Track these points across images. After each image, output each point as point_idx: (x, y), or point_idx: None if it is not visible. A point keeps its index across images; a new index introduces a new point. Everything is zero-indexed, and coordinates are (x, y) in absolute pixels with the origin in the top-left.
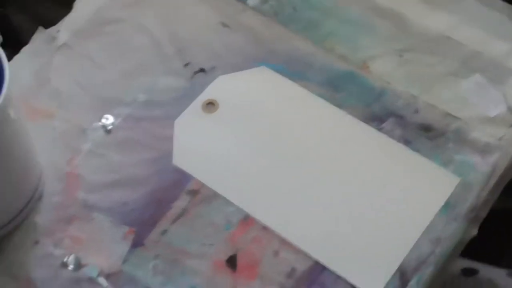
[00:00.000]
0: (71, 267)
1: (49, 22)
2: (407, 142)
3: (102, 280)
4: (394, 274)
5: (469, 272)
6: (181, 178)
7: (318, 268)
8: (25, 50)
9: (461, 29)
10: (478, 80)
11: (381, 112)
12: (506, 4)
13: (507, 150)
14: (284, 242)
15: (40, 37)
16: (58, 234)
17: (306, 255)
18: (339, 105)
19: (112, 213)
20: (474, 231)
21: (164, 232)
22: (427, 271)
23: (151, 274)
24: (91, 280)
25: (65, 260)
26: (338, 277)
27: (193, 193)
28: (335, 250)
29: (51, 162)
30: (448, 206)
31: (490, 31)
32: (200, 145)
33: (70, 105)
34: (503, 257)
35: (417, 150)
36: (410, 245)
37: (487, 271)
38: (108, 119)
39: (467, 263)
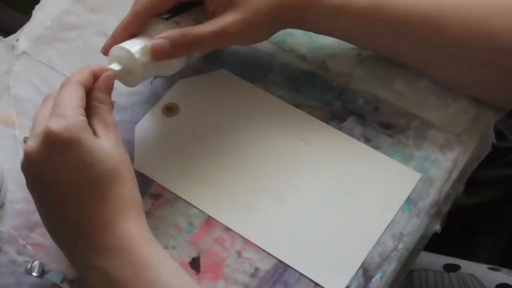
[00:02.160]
0: (35, 273)
1: (9, 30)
2: (367, 140)
3: (66, 286)
4: (358, 270)
5: (451, 268)
6: (143, 181)
7: (281, 267)
8: None
9: None
10: None
11: (341, 111)
12: None
13: (468, 145)
14: (247, 242)
15: None
16: (21, 242)
17: (269, 255)
18: (300, 105)
19: None
20: (437, 226)
21: None
22: (390, 267)
23: None
24: (56, 286)
25: (29, 267)
26: (302, 276)
27: (156, 196)
28: (297, 249)
29: (13, 170)
30: (410, 202)
31: None
32: (161, 149)
33: (30, 112)
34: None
35: (378, 147)
36: (373, 242)
37: (468, 266)
38: None
39: (448, 260)
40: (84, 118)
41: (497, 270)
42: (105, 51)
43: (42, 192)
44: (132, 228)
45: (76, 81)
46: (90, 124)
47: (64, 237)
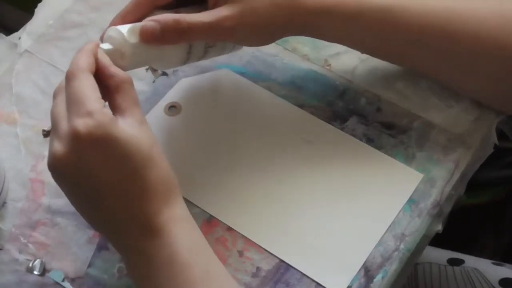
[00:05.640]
0: (36, 272)
1: (11, 28)
2: (369, 140)
3: (67, 285)
4: (359, 270)
5: (455, 262)
6: None
7: (282, 267)
8: None
9: None
10: None
11: (343, 111)
12: None
13: (470, 145)
14: (248, 242)
15: (1, 44)
16: (22, 240)
17: (270, 255)
18: (302, 105)
19: (77, 218)
20: (438, 227)
21: None
22: (392, 267)
23: (116, 277)
24: (57, 285)
25: (30, 265)
26: (303, 276)
27: None
28: (299, 249)
29: (14, 169)
30: (411, 202)
31: None
32: (163, 148)
33: (32, 110)
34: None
35: (380, 148)
36: (375, 242)
37: (472, 261)
38: None
39: (452, 254)
40: (109, 110)
41: (500, 265)
42: (101, 38)
43: (77, 190)
44: (175, 212)
45: (84, 69)
46: (114, 104)
47: (106, 227)
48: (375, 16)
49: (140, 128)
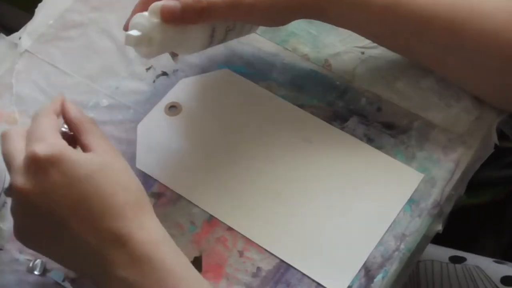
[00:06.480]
0: (36, 272)
1: (12, 28)
2: (370, 140)
3: (67, 285)
4: (359, 271)
5: (457, 260)
6: (145, 181)
7: (283, 267)
8: None
9: None
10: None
11: (343, 111)
12: None
13: (470, 145)
14: (248, 242)
15: (1, 44)
16: None
17: (271, 255)
18: (302, 105)
19: None
20: (438, 227)
21: None
22: (392, 267)
23: None
24: (57, 285)
25: (30, 265)
26: (303, 276)
27: (158, 195)
28: (299, 249)
29: None
30: (412, 202)
31: None
32: (163, 148)
33: (33, 110)
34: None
35: (380, 147)
36: (375, 242)
37: (474, 258)
38: None
39: (454, 252)
40: (64, 141)
41: (502, 263)
42: (126, 27)
43: (42, 222)
44: (150, 231)
45: (47, 111)
46: (82, 143)
47: (78, 259)
48: (382, 6)
49: (109, 154)
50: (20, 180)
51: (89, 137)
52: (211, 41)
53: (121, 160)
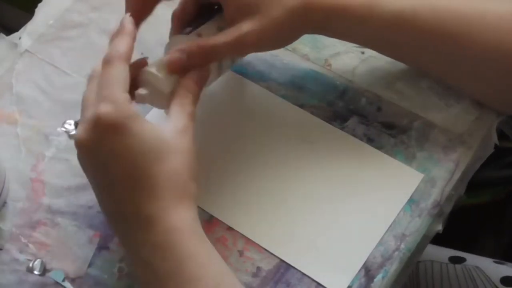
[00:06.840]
0: (36, 272)
1: (12, 28)
2: (370, 140)
3: (67, 285)
4: (359, 270)
5: (457, 260)
6: None
7: (283, 267)
8: None
9: None
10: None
11: (343, 111)
12: None
13: (470, 145)
14: (248, 242)
15: (1, 44)
16: (23, 240)
17: (271, 255)
18: (302, 105)
19: (77, 217)
20: (438, 227)
21: None
22: (392, 267)
23: (116, 277)
24: (57, 285)
25: (30, 265)
26: (303, 275)
27: None
28: (299, 248)
29: (15, 169)
30: (412, 202)
31: None
32: None
33: (33, 110)
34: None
35: (380, 147)
36: (375, 242)
37: (473, 259)
38: (71, 124)
39: (453, 252)
40: (131, 105)
41: (502, 263)
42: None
43: (95, 175)
44: (181, 219)
45: (121, 57)
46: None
47: (115, 219)
48: (385, 20)
49: (174, 132)
50: (82, 134)
51: (176, 106)
52: (220, 72)
53: (187, 140)
